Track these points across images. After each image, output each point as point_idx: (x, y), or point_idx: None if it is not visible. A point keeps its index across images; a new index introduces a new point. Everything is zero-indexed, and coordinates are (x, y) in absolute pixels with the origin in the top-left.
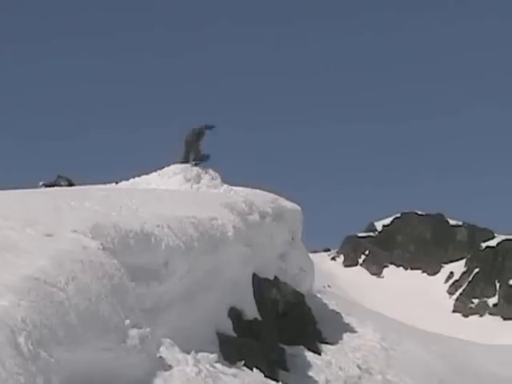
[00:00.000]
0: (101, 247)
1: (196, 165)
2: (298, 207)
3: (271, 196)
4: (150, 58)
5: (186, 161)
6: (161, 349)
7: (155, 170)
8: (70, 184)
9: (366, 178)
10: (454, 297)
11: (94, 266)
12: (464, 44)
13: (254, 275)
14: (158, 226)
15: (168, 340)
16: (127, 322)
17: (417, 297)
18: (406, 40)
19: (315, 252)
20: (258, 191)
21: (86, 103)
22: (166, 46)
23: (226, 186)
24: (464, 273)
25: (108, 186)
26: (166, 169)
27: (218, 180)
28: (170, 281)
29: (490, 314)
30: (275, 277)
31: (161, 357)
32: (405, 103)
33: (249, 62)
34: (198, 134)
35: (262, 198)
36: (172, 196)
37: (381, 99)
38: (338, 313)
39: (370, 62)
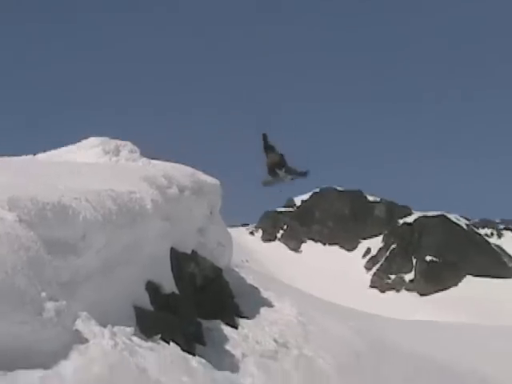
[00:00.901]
0: (17, 219)
1: (293, 179)
2: (216, 181)
3: (190, 170)
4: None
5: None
6: (77, 322)
7: (73, 143)
8: None
9: (285, 153)
10: (371, 272)
11: (10, 238)
12: None
13: (172, 249)
14: (76, 198)
15: (84, 313)
16: (43, 294)
17: (334, 272)
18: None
19: (234, 226)
20: (176, 165)
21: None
22: None
23: (144, 159)
24: (381, 248)
25: (26, 157)
26: (84, 141)
27: (137, 153)
28: (88, 254)
29: (407, 289)
30: (193, 251)
31: (77, 330)
32: (329, 83)
33: None
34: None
35: (181, 172)
36: (90, 169)
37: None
38: (255, 287)
39: None
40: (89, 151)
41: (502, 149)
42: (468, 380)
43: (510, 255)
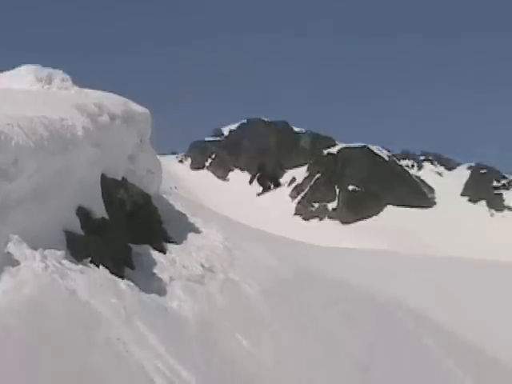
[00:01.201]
0: None
1: None
2: (146, 110)
3: (121, 99)
4: None
5: None
6: (8, 245)
7: (5, 70)
8: None
9: (213, 85)
10: (296, 201)
11: None
12: None
13: (103, 176)
14: (9, 124)
15: (16, 236)
16: None
17: (260, 200)
18: None
19: (163, 155)
20: (108, 94)
21: None
22: None
23: (76, 87)
24: (306, 178)
25: None
26: (16, 69)
27: (69, 82)
28: (19, 179)
29: (330, 217)
30: (123, 178)
31: (8, 252)
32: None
33: None
34: None
35: (112, 101)
36: (23, 96)
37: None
38: (183, 214)
39: None
40: (21, 79)
41: (422, 83)
42: (392, 310)
43: (429, 186)
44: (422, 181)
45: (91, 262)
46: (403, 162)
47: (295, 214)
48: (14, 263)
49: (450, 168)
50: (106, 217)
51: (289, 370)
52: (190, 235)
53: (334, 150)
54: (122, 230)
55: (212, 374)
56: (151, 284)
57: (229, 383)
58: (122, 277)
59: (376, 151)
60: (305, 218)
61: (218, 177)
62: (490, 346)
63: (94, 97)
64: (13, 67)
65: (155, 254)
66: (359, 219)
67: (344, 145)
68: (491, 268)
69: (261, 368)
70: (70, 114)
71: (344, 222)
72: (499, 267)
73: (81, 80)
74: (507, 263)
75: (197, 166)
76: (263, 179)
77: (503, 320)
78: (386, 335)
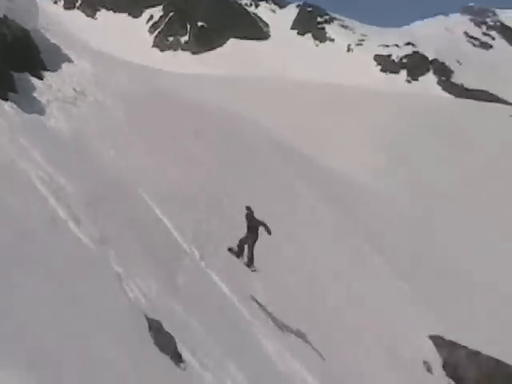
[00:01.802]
0: None
1: None
2: None
3: None
4: None
5: None
6: None
7: None
8: None
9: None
10: (154, 35)
11: None
12: None
13: None
14: None
15: None
16: None
17: (123, 36)
18: None
19: None
20: None
21: None
22: None
23: None
24: (161, 16)
25: None
26: None
27: None
28: None
29: (182, 49)
30: (4, 15)
31: None
32: None
33: None
34: None
35: None
36: None
37: None
38: (58, 46)
39: None
40: None
41: None
42: (238, 129)
43: (265, 22)
44: (259, 17)
45: None
46: (243, 1)
47: (153, 46)
48: None
49: (281, 6)
50: None
51: (149, 184)
52: (64, 65)
53: None
54: (5, 60)
55: (84, 178)
56: (32, 106)
57: (101, 189)
58: (6, 99)
59: None
60: (161, 50)
61: (88, 15)
62: (326, 158)
63: None
64: None
65: (34, 81)
66: (207, 50)
67: None
68: (324, 89)
69: (124, 174)
70: None
71: (194, 53)
72: (327, 88)
73: None
74: (335, 85)
75: (69, 6)
76: (126, 17)
77: (341, 135)
78: (232, 148)
